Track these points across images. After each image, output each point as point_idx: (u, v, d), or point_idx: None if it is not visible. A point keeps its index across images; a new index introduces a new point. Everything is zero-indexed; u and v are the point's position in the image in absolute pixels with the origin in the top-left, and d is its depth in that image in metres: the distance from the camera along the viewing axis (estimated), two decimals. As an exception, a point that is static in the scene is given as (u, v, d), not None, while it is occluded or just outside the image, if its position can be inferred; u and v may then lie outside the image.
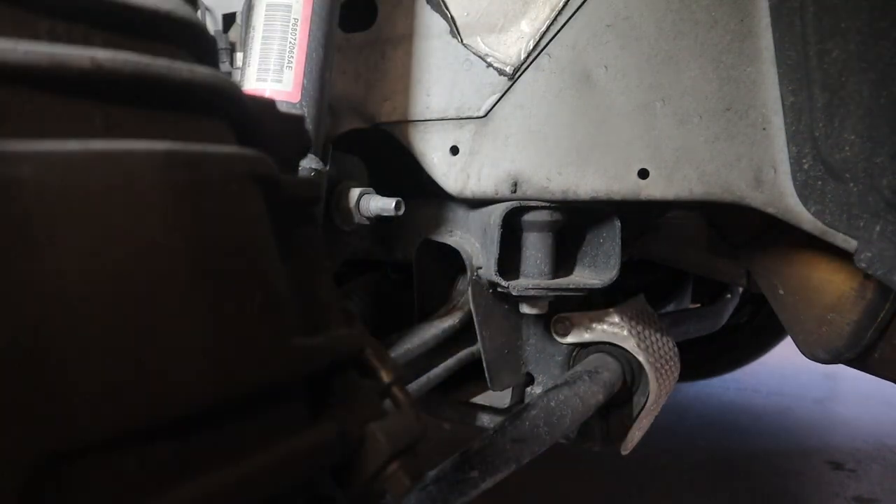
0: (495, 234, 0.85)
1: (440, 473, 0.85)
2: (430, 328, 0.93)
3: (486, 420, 1.04)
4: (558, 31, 0.81)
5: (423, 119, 0.89)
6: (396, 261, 1.13)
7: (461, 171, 0.87)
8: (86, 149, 0.28)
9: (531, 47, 0.82)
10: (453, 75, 0.87)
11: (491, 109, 0.85)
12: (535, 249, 0.88)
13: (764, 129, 0.73)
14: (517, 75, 0.84)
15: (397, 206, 0.75)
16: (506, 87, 0.84)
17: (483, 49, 0.85)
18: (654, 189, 0.79)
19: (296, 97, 0.69)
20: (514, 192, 0.85)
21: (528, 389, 1.00)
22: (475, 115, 0.86)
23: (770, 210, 0.73)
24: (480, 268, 0.89)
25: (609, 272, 0.87)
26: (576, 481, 1.58)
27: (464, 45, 0.86)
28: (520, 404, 1.00)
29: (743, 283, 1.40)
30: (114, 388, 0.26)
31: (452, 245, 0.93)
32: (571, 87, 0.81)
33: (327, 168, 0.73)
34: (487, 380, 0.93)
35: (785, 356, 2.21)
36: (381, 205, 0.76)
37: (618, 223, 0.87)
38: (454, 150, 0.88)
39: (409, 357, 0.88)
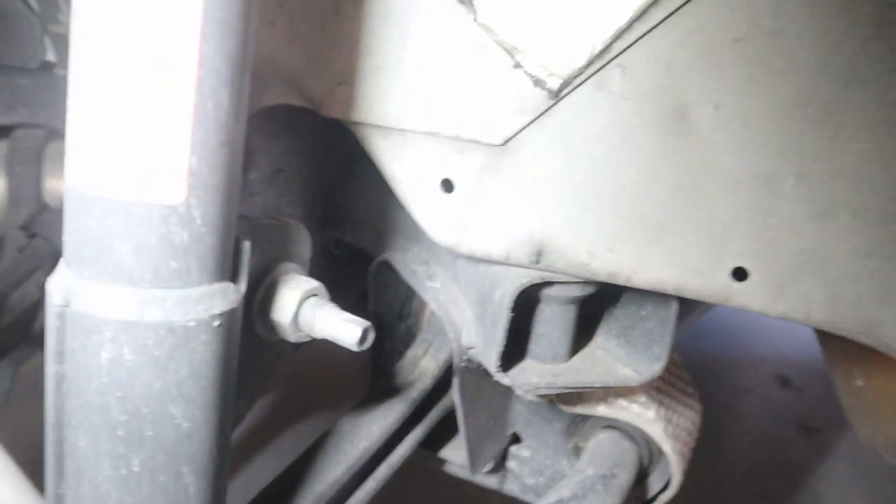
0: (501, 317, 0.58)
1: None
2: (392, 407, 0.67)
3: (457, 469, 0.84)
4: (645, 34, 0.47)
5: (398, 128, 0.56)
6: (339, 239, 0.84)
7: (455, 217, 0.57)
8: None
9: (596, 51, 0.48)
10: (456, 69, 0.52)
11: (514, 136, 0.53)
12: (551, 327, 0.62)
13: (959, 264, 0.46)
14: (564, 91, 0.50)
15: (362, 339, 0.46)
16: (543, 107, 0.51)
17: (511, 39, 0.50)
18: (751, 298, 0.52)
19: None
20: (537, 262, 0.56)
21: (513, 449, 0.79)
22: (487, 140, 0.53)
23: (927, 374, 0.49)
24: (472, 348, 0.63)
25: (651, 363, 0.63)
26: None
27: (478, 23, 0.51)
28: (502, 465, 0.80)
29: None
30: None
31: (432, 304, 0.64)
32: (653, 125, 0.50)
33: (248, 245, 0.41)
34: (468, 462, 0.71)
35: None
36: (334, 328, 0.46)
37: (675, 305, 0.61)
38: (447, 186, 0.56)
39: (367, 454, 0.64)
